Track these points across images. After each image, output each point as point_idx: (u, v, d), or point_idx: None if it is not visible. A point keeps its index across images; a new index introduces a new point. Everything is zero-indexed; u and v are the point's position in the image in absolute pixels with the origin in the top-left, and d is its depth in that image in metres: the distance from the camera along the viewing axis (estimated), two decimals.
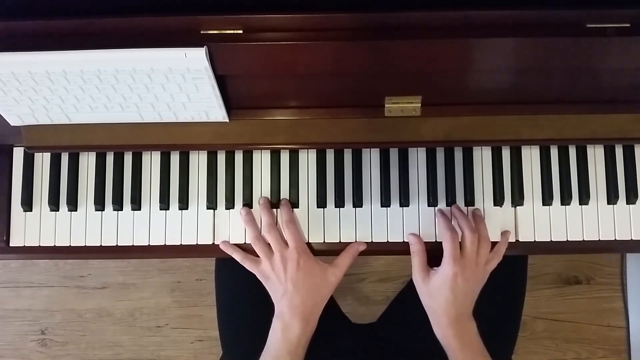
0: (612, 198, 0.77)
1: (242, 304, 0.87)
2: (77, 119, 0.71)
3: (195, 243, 0.78)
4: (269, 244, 0.75)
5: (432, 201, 0.77)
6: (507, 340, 0.88)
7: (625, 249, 0.80)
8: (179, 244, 0.78)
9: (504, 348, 0.88)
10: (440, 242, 0.74)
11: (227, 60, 0.63)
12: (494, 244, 0.75)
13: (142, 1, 0.61)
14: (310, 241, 0.78)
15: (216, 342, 1.39)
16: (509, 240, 0.77)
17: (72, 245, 0.78)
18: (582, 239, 0.77)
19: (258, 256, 0.75)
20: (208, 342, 1.42)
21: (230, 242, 0.77)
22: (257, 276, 0.75)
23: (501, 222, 0.77)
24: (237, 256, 0.76)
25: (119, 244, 0.78)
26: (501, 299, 0.87)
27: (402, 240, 0.77)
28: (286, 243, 0.75)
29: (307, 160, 0.79)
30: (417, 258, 0.75)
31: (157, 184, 0.79)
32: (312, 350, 0.85)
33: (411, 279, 0.91)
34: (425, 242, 0.76)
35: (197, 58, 0.60)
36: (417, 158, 0.78)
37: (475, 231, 0.73)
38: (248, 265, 0.76)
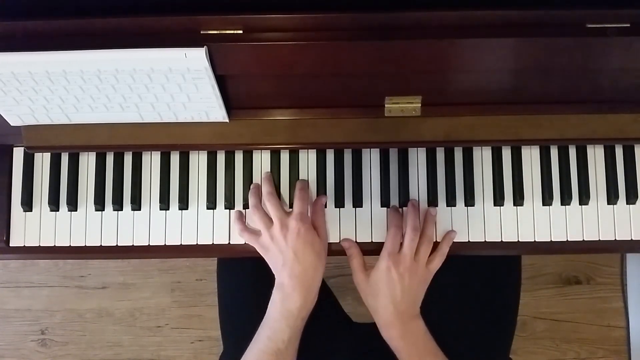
0: (612, 198, 0.77)
1: (243, 303, 0.87)
2: (77, 119, 0.71)
3: (195, 243, 0.78)
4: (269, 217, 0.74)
5: (432, 201, 0.77)
6: (504, 340, 0.88)
7: (625, 249, 0.80)
8: (179, 244, 0.78)
9: (500, 347, 0.88)
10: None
11: (227, 60, 0.63)
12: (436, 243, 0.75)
13: (142, 1, 0.61)
14: None
15: (216, 342, 1.39)
16: (455, 240, 0.76)
17: (72, 245, 0.78)
18: (582, 239, 0.77)
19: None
20: (208, 342, 1.42)
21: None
22: (257, 249, 0.74)
23: (501, 222, 0.77)
24: (238, 227, 0.76)
25: (119, 244, 0.78)
26: (496, 299, 0.87)
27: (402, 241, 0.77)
28: (285, 212, 0.74)
29: (307, 160, 0.79)
30: (354, 260, 0.75)
31: (157, 184, 0.79)
32: (313, 349, 0.85)
33: None
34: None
35: (197, 58, 0.60)
36: (417, 158, 0.78)
37: (417, 229, 0.73)
38: (247, 237, 0.75)
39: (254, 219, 0.75)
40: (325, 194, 0.78)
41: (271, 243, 0.73)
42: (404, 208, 0.77)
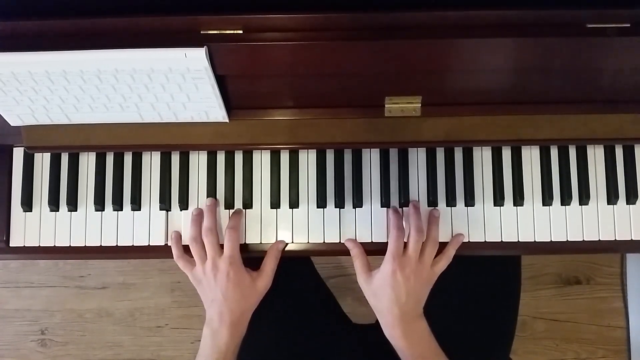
0: (612, 198, 0.77)
1: None
2: (77, 119, 0.71)
3: None
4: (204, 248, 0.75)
5: (432, 201, 0.77)
6: (504, 340, 0.88)
7: (625, 249, 0.80)
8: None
9: (500, 348, 0.88)
10: (445, 244, 0.74)
11: (227, 60, 0.63)
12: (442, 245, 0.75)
13: (142, 1, 0.61)
14: (310, 241, 0.78)
15: None
16: (462, 241, 0.76)
17: (72, 245, 0.78)
18: (582, 239, 0.77)
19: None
20: None
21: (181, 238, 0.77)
22: (190, 278, 0.75)
23: (501, 222, 0.77)
24: (175, 252, 0.76)
25: (119, 244, 0.78)
26: (495, 299, 0.87)
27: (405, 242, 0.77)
28: (222, 249, 0.74)
29: (307, 160, 0.79)
30: (358, 260, 0.75)
31: (157, 184, 0.79)
32: (312, 350, 0.85)
33: None
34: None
35: (197, 58, 0.60)
36: (417, 158, 0.78)
37: (421, 231, 0.73)
38: (182, 264, 0.76)
39: (191, 249, 0.75)
40: (326, 194, 0.78)
41: (203, 277, 0.74)
42: (404, 209, 0.77)
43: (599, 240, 0.77)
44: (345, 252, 0.78)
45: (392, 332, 0.72)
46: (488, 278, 0.86)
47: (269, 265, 0.76)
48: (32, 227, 0.79)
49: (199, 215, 0.76)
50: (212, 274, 0.73)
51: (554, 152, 0.78)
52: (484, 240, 0.77)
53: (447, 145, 0.77)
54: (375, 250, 0.78)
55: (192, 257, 0.75)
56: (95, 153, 0.79)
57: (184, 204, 0.78)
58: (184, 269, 0.76)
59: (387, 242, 0.77)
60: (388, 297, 0.71)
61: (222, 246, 0.74)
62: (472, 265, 0.84)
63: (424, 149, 0.78)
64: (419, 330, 0.72)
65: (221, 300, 0.72)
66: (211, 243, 0.74)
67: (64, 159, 0.79)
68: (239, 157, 0.79)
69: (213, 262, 0.73)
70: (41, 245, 0.78)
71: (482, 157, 0.78)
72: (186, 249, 0.76)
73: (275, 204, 0.78)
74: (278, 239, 0.77)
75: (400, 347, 0.71)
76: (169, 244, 0.77)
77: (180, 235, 0.77)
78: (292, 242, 0.78)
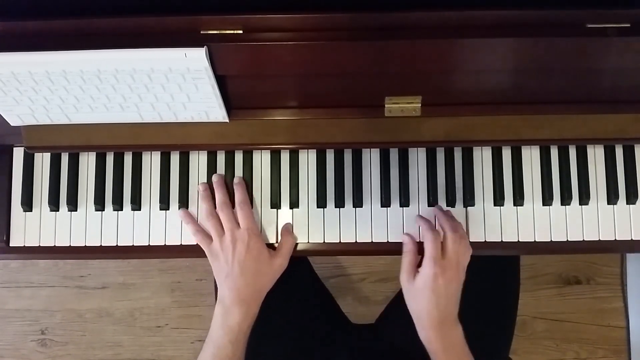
0: (612, 198, 0.77)
1: None
2: (77, 119, 0.71)
3: (195, 243, 0.78)
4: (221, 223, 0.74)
5: (432, 201, 0.77)
6: (503, 340, 0.88)
7: (625, 249, 0.80)
8: (179, 244, 0.78)
9: (499, 348, 0.88)
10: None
11: (227, 60, 0.63)
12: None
13: (142, 1, 0.61)
14: (310, 241, 0.78)
15: None
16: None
17: (72, 245, 0.78)
18: (582, 239, 0.77)
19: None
20: None
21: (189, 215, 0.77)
22: (206, 254, 0.74)
23: (501, 222, 0.77)
24: (190, 228, 0.76)
25: (119, 244, 0.78)
26: (495, 299, 0.87)
27: (402, 240, 0.77)
28: (239, 224, 0.74)
29: (307, 160, 0.79)
30: (407, 258, 0.74)
31: (157, 184, 0.79)
32: (311, 351, 0.85)
33: None
34: (424, 243, 0.76)
35: (197, 58, 0.60)
36: (417, 158, 0.78)
37: (457, 231, 0.72)
38: (199, 239, 0.75)
39: (206, 225, 0.75)
40: (326, 194, 0.78)
41: (221, 252, 0.73)
42: (388, 209, 0.77)
43: (599, 240, 0.77)
44: (344, 252, 0.78)
45: (428, 335, 0.71)
46: (488, 278, 0.86)
47: (286, 246, 0.75)
48: (32, 227, 0.79)
49: (207, 190, 0.76)
50: (231, 246, 0.72)
51: (554, 152, 0.78)
52: (484, 240, 0.77)
53: (447, 145, 0.77)
54: (375, 250, 0.78)
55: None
56: (95, 153, 0.79)
57: (184, 204, 0.78)
58: (202, 244, 0.74)
59: (387, 243, 0.77)
60: (429, 300, 0.70)
61: None
62: (471, 265, 0.84)
63: (424, 149, 0.78)
64: (455, 336, 0.71)
65: (237, 273, 0.71)
66: (227, 216, 0.73)
67: (64, 159, 0.79)
68: (239, 157, 0.79)
69: (232, 234, 0.72)
70: (41, 245, 0.78)
71: (482, 157, 0.78)
72: None
73: (275, 204, 0.78)
74: (278, 239, 0.77)
75: (434, 350, 0.71)
76: (168, 244, 0.77)
77: (189, 212, 0.77)
78: None
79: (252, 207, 0.77)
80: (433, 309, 0.70)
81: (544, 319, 1.41)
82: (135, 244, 0.78)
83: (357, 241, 0.77)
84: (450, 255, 0.71)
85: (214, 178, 0.77)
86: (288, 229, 0.77)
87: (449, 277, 0.70)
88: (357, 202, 0.78)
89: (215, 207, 0.75)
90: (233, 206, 0.75)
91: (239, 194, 0.75)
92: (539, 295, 1.41)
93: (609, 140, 0.77)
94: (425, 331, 0.71)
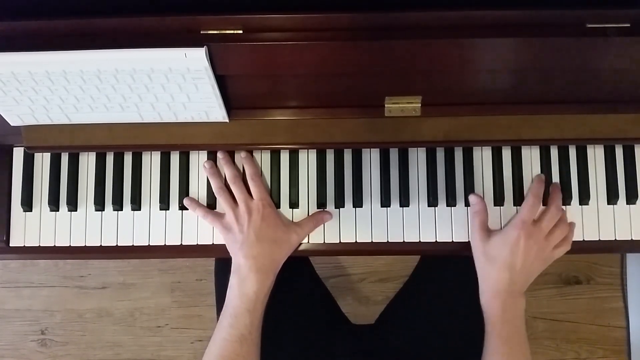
0: (612, 198, 0.77)
1: None
2: (77, 119, 0.71)
3: (195, 243, 0.78)
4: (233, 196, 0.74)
5: (432, 201, 0.77)
6: None
7: (625, 249, 0.80)
8: (179, 244, 0.78)
9: None
10: (445, 244, 0.73)
11: (227, 60, 0.63)
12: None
13: (142, 1, 0.61)
14: (310, 241, 0.78)
15: None
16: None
17: (72, 245, 0.78)
18: (582, 239, 0.77)
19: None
20: (208, 342, 1.42)
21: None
22: (218, 230, 0.74)
23: (501, 222, 0.77)
24: (200, 212, 0.75)
25: (119, 244, 0.78)
26: None
27: (402, 240, 0.77)
28: (251, 196, 0.74)
29: (307, 160, 0.79)
30: (478, 218, 0.73)
31: (157, 184, 0.79)
32: (311, 351, 0.85)
33: (410, 279, 0.91)
34: (424, 243, 0.76)
35: (197, 58, 0.60)
36: (417, 158, 0.78)
37: (561, 210, 0.71)
38: (210, 219, 0.75)
39: (219, 199, 0.75)
40: (326, 194, 0.78)
41: (235, 223, 0.72)
42: (388, 209, 0.77)
43: (599, 240, 0.77)
44: (344, 252, 0.78)
45: (491, 300, 0.69)
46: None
47: (307, 225, 0.75)
48: (32, 227, 0.79)
49: (213, 167, 0.76)
50: (246, 216, 0.71)
51: (554, 152, 0.78)
52: None
53: (447, 145, 0.77)
54: (375, 250, 0.78)
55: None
56: (95, 153, 0.79)
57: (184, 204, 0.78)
58: (213, 223, 0.74)
59: (387, 243, 0.77)
60: (503, 260, 0.67)
61: None
62: (471, 264, 0.84)
63: (424, 148, 0.78)
64: (517, 309, 0.69)
65: (253, 240, 0.70)
66: (240, 188, 0.73)
67: (64, 159, 0.79)
68: (239, 157, 0.79)
69: (246, 205, 0.72)
70: (41, 245, 0.78)
71: (482, 157, 0.78)
72: None
73: (275, 203, 0.78)
74: None
75: (492, 316, 0.68)
76: (168, 244, 0.77)
77: (195, 199, 0.77)
78: None
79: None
80: (504, 270, 0.67)
81: (544, 319, 1.41)
82: (135, 244, 0.78)
83: (357, 241, 0.77)
84: (543, 225, 0.69)
85: (220, 154, 0.76)
86: (323, 216, 0.75)
87: (531, 244, 0.68)
88: (357, 202, 0.78)
89: (224, 182, 0.75)
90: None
91: (249, 167, 0.75)
92: (539, 295, 1.41)
93: (609, 140, 0.77)
94: (489, 295, 0.69)
